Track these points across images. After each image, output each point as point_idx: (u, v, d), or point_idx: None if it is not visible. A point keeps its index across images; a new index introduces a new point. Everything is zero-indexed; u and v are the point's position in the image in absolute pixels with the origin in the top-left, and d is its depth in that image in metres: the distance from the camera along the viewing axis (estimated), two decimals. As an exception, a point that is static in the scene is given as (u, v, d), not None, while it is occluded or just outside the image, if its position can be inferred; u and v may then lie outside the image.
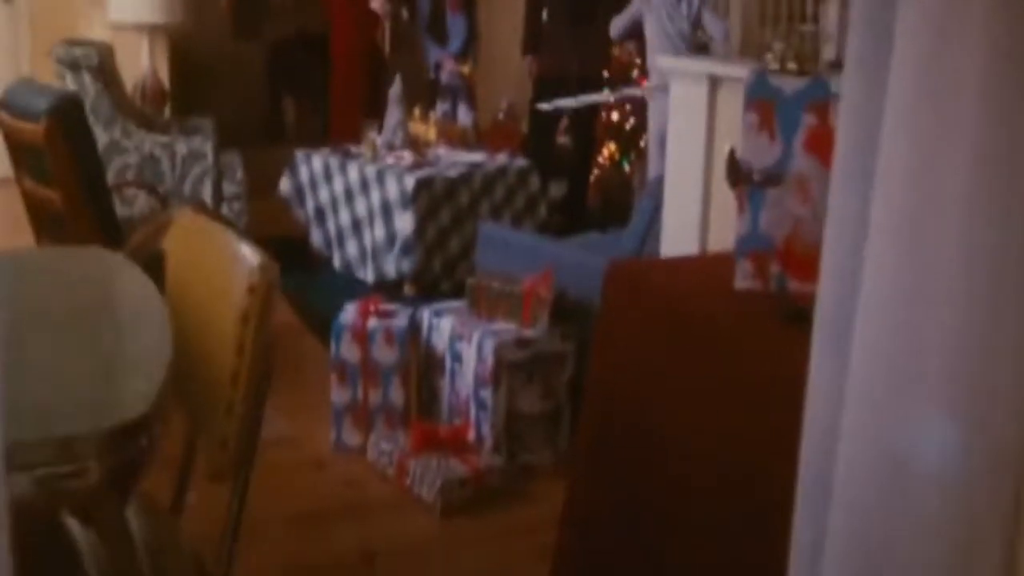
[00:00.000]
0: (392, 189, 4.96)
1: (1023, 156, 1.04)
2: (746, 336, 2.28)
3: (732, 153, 2.65)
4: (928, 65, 1.07)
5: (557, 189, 6.26)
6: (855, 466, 1.01)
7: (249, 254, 1.92)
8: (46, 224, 3.57)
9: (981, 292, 0.98)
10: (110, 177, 4.32)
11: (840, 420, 1.03)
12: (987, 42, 1.07)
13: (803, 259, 2.35)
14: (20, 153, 3.40)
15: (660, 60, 4.17)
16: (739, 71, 3.25)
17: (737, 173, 2.60)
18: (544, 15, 6.18)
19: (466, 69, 6.19)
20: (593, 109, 6.30)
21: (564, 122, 6.35)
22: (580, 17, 6.05)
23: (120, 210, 4.00)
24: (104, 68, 4.91)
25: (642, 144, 6.60)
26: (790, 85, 2.49)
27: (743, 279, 2.46)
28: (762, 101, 2.49)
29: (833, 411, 1.05)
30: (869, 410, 1.01)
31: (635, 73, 6.62)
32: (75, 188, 3.28)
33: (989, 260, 1.01)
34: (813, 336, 1.12)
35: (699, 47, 5.59)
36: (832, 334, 1.08)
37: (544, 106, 5.90)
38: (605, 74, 6.54)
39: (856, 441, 1.00)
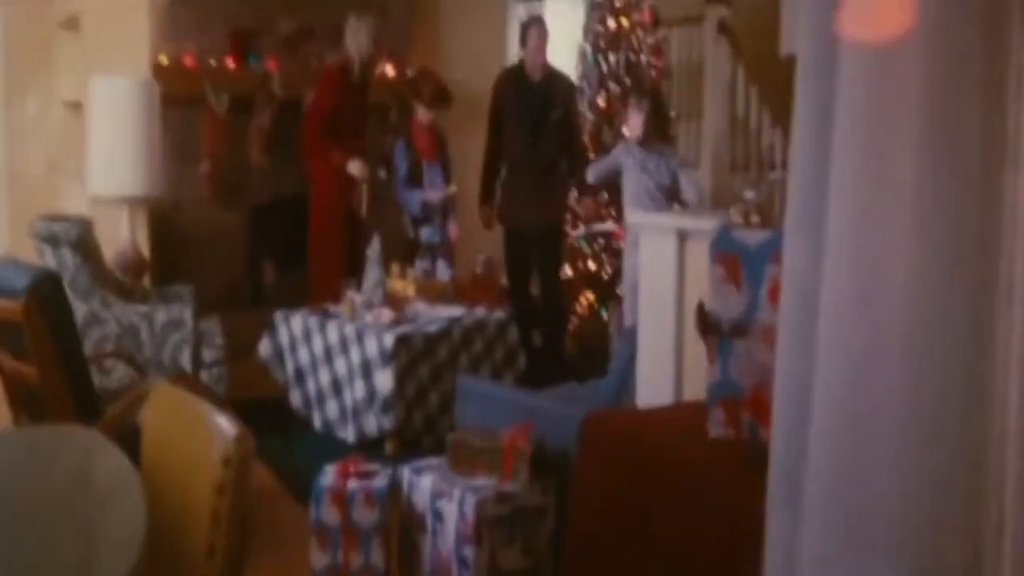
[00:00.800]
0: (371, 347, 5.00)
1: (958, 290, 1.09)
2: (721, 483, 2.29)
3: (701, 305, 2.71)
4: (862, 210, 1.13)
5: (537, 338, 6.33)
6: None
7: (225, 425, 1.94)
8: (23, 399, 3.57)
9: (927, 437, 1.02)
10: (88, 348, 4.34)
11: (796, 565, 1.05)
12: (915, 205, 1.13)
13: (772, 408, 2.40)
14: (-2, 329, 3.44)
15: (628, 215, 4.30)
16: (706, 224, 3.34)
17: (706, 324, 2.67)
18: (503, 170, 6.39)
19: (453, 188, 6.35)
20: (556, 259, 6.45)
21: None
22: (539, 170, 6.27)
23: (98, 381, 4.01)
24: (83, 242, 4.99)
25: (619, 292, 6.70)
26: (753, 238, 2.57)
27: (716, 427, 2.49)
28: (727, 254, 2.57)
29: (789, 558, 1.06)
30: (821, 556, 1.03)
31: (610, 224, 6.78)
32: (52, 363, 3.30)
33: (933, 398, 1.05)
34: (768, 487, 1.15)
35: (674, 197, 5.78)
36: (784, 482, 1.10)
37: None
38: (569, 226, 6.75)
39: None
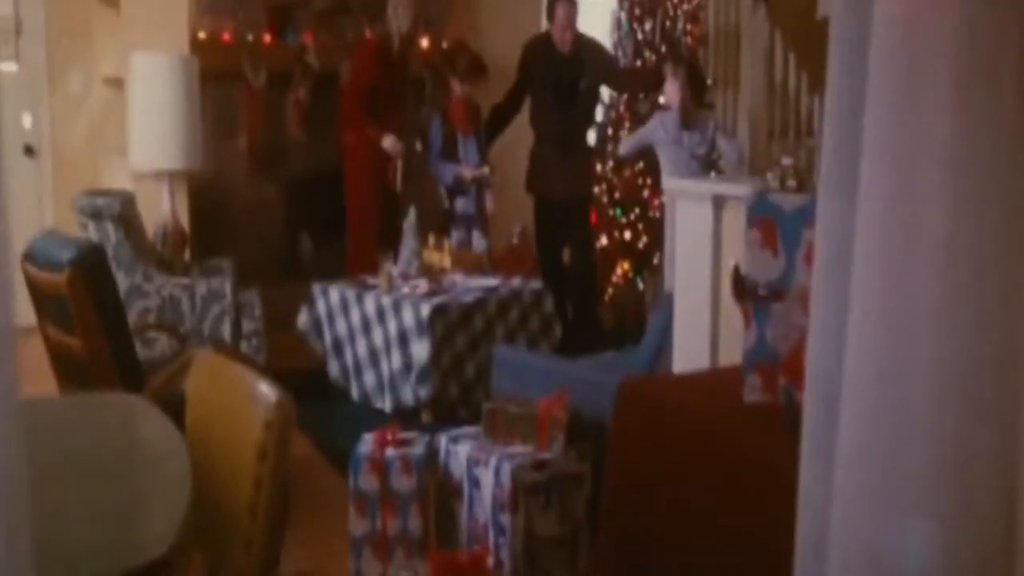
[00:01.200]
0: (408, 317, 5.04)
1: (989, 263, 1.09)
2: (756, 449, 2.30)
3: (737, 269, 2.71)
4: (893, 185, 1.13)
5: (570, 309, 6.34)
6: (844, 567, 1.03)
7: (266, 391, 1.98)
8: (68, 371, 3.64)
9: (958, 400, 1.02)
10: (131, 320, 4.41)
11: (828, 522, 1.06)
12: (949, 152, 1.12)
13: (808, 370, 2.40)
14: (44, 302, 3.50)
15: (665, 181, 4.29)
16: (742, 190, 3.33)
17: (742, 288, 2.66)
18: (533, 142, 6.40)
19: (486, 169, 6.32)
20: (585, 230, 6.41)
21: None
22: (566, 141, 6.27)
23: (141, 352, 4.08)
24: (126, 215, 5.05)
25: (655, 262, 6.69)
26: (790, 202, 2.56)
27: (752, 392, 2.50)
28: (764, 219, 2.57)
29: (821, 513, 1.08)
30: (854, 513, 1.04)
31: (646, 193, 6.77)
32: (97, 334, 3.36)
33: (964, 365, 1.05)
34: (801, 442, 1.16)
35: (711, 166, 5.77)
36: (817, 440, 1.11)
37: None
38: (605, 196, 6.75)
39: (843, 542, 1.03)
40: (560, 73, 6.23)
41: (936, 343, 1.05)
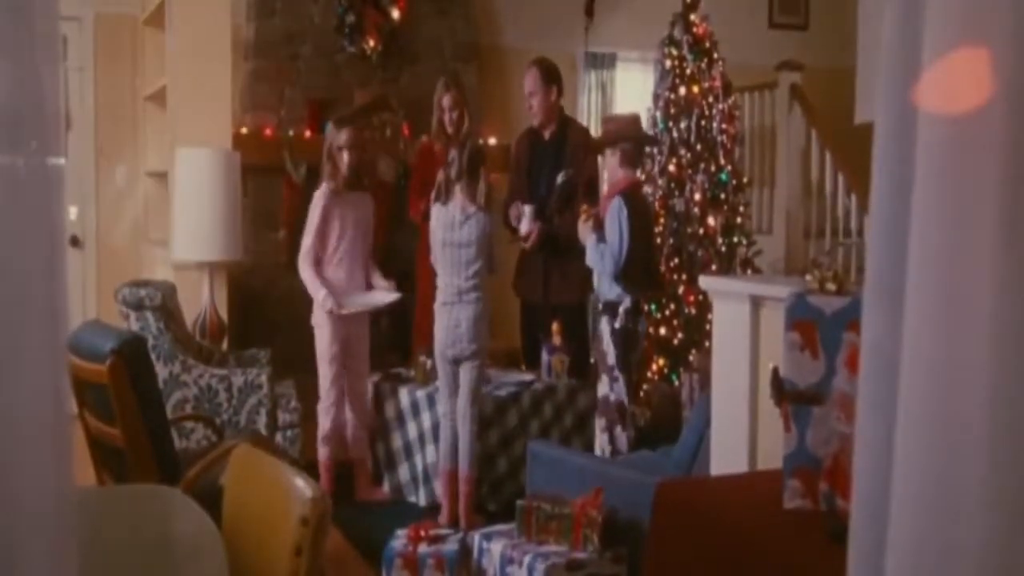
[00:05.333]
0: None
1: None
2: (797, 556, 2.26)
3: (775, 372, 2.69)
4: (941, 293, 1.13)
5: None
6: None
7: (302, 486, 1.98)
8: (107, 459, 3.65)
9: (1010, 510, 1.01)
10: (169, 410, 4.44)
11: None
12: (995, 274, 1.12)
13: (851, 477, 2.36)
14: (84, 391, 3.53)
15: (702, 279, 4.27)
16: (780, 291, 3.32)
17: (781, 391, 2.64)
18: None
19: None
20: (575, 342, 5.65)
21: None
22: (547, 241, 5.51)
23: (177, 442, 4.09)
24: (166, 306, 5.12)
25: (690, 358, 6.65)
26: (830, 304, 2.55)
27: (792, 498, 2.46)
28: (803, 321, 2.56)
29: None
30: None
31: (681, 288, 6.75)
32: (136, 424, 3.38)
33: (1016, 480, 1.04)
34: (848, 565, 1.14)
35: None
36: (865, 562, 1.09)
37: None
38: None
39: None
40: (543, 162, 5.50)
41: (987, 456, 1.03)
